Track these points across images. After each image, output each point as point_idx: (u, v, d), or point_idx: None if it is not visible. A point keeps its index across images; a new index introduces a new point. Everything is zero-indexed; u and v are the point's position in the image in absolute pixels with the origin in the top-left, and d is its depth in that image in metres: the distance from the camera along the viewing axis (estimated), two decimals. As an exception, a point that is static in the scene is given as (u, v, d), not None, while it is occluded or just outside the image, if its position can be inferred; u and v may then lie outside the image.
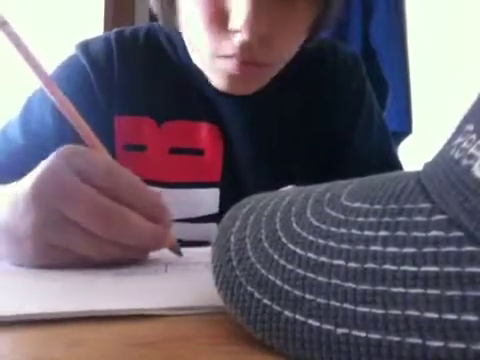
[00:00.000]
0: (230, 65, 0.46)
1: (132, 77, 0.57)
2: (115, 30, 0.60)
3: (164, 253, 0.37)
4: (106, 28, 1.72)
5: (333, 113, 0.61)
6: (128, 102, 0.56)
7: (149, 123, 0.56)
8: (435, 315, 0.15)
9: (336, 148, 0.61)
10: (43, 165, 0.33)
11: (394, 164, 0.64)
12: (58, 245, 0.32)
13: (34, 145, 0.53)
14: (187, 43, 0.53)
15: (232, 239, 0.21)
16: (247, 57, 0.45)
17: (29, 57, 0.35)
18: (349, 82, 0.62)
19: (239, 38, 0.43)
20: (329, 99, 0.61)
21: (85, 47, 0.57)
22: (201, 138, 0.57)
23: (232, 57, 0.45)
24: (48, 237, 0.32)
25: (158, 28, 0.59)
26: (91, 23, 1.70)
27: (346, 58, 0.62)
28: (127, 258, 0.34)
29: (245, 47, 0.44)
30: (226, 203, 0.57)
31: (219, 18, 0.44)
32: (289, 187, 0.26)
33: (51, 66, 0.59)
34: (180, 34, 0.53)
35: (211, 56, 0.47)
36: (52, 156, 0.33)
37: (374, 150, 0.62)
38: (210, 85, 0.56)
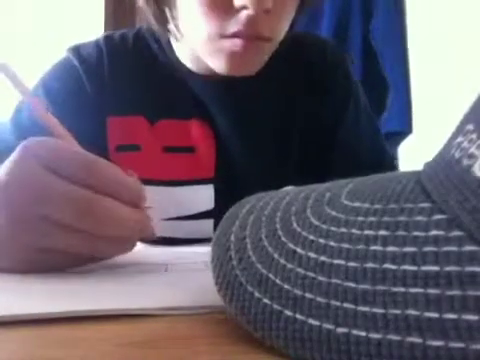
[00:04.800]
0: (235, 43, 0.47)
1: (123, 78, 0.58)
2: (104, 34, 0.61)
3: (164, 253, 0.37)
4: (106, 28, 1.72)
5: (319, 107, 0.62)
6: (120, 103, 0.57)
7: (142, 122, 0.57)
8: (435, 315, 0.15)
9: (324, 141, 0.62)
10: (8, 164, 0.31)
11: (384, 159, 0.64)
12: (38, 247, 0.30)
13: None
14: (178, 36, 0.53)
15: (232, 238, 0.21)
16: (254, 31, 0.47)
17: None
18: (334, 76, 0.63)
19: (245, 13, 0.45)
20: (315, 93, 0.62)
21: (76, 50, 0.58)
22: (193, 136, 0.58)
23: (236, 36, 0.47)
24: (24, 239, 0.30)
25: (146, 30, 0.60)
26: (91, 23, 1.70)
27: (330, 52, 0.64)
28: (114, 253, 0.33)
29: (252, 22, 0.46)
30: (221, 199, 0.59)
31: None
32: (289, 187, 0.26)
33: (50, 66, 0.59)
34: (166, 34, 0.54)
35: (213, 38, 0.48)
36: (17, 152, 0.31)
37: (363, 144, 0.63)
38: (198, 83, 0.57)
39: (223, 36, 0.48)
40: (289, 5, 0.50)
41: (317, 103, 0.61)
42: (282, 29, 0.51)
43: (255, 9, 0.45)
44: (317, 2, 0.57)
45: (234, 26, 0.47)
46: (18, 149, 0.31)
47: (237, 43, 0.47)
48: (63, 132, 0.35)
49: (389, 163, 0.65)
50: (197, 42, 0.51)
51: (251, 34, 0.47)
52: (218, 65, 0.50)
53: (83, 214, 0.30)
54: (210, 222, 0.57)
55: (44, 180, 0.30)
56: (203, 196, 0.58)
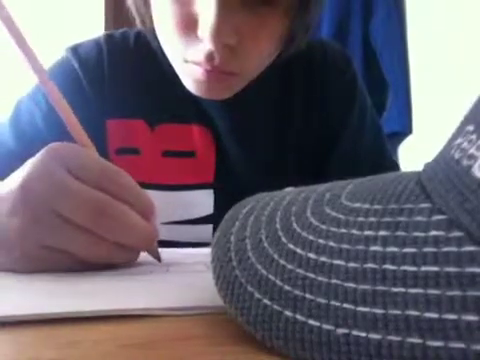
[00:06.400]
0: (198, 71, 0.46)
1: (123, 79, 0.57)
2: (105, 33, 0.60)
3: (165, 253, 0.37)
4: (106, 28, 1.72)
5: (322, 112, 0.61)
6: (120, 105, 0.56)
7: (141, 126, 0.56)
8: (435, 315, 0.15)
9: (326, 147, 0.61)
10: (32, 162, 0.31)
11: (386, 166, 0.63)
12: (50, 245, 0.31)
13: (25, 147, 0.52)
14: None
15: (232, 239, 0.21)
16: (212, 66, 0.45)
17: (25, 48, 0.33)
18: (339, 81, 0.61)
19: (204, 47, 0.43)
20: (318, 98, 0.61)
21: (75, 50, 0.57)
22: (193, 140, 0.57)
23: (200, 64, 0.45)
24: (38, 237, 0.31)
25: (147, 29, 0.58)
26: (91, 23, 1.70)
27: (335, 57, 0.62)
28: (118, 260, 0.33)
29: (210, 56, 0.43)
30: (221, 204, 0.58)
31: (189, 23, 0.44)
32: (289, 188, 0.26)
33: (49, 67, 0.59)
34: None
35: (181, 60, 0.47)
36: (41, 152, 0.32)
37: (365, 151, 0.62)
38: None
39: (188, 61, 0.46)
40: (264, 37, 0.46)
41: (319, 106, 0.60)
42: (252, 63, 0.48)
43: (214, 45, 0.42)
44: (310, 32, 0.52)
45: (196, 54, 0.44)
46: (43, 150, 0.32)
47: (198, 71, 0.45)
48: (74, 120, 0.35)
49: (389, 167, 0.64)
50: (170, 58, 0.50)
51: (210, 68, 0.45)
52: (188, 86, 0.49)
53: (98, 216, 0.30)
54: (209, 227, 0.57)
55: (63, 180, 0.30)
56: (203, 201, 0.57)
